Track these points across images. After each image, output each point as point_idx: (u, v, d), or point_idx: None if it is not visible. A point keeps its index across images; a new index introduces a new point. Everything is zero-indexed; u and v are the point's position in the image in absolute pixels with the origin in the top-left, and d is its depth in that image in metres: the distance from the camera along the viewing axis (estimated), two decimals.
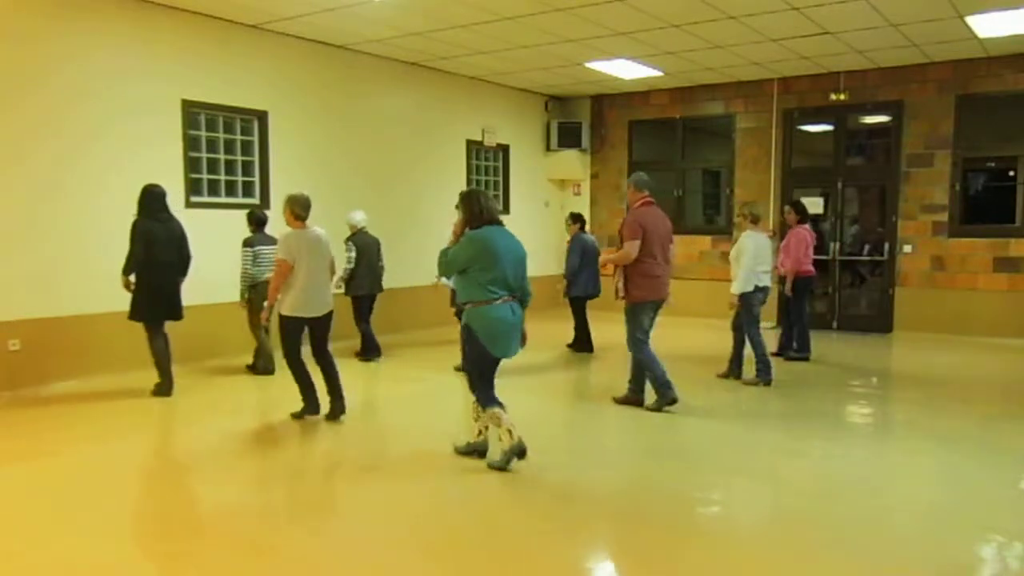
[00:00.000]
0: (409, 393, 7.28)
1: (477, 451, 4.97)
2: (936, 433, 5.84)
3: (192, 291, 7.51)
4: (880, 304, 10.80)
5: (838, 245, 10.95)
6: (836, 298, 11.02)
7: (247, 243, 7.41)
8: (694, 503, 4.50)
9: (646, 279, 6.14)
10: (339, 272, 7.99)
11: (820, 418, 6.34)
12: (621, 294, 6.24)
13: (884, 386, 8.09)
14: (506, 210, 12.20)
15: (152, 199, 6.57)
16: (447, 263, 4.80)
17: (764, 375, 7.22)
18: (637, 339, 6.21)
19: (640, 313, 6.20)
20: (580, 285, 8.71)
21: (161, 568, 3.70)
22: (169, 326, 6.86)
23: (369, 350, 8.40)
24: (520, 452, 4.72)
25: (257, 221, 7.54)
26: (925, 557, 3.69)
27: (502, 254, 4.67)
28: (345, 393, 6.00)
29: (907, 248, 10.51)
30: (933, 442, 5.61)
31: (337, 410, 5.95)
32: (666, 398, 6.22)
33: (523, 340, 4.91)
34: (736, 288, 7.16)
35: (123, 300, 6.76)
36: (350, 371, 8.05)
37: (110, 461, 5.21)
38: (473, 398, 4.99)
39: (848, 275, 11.30)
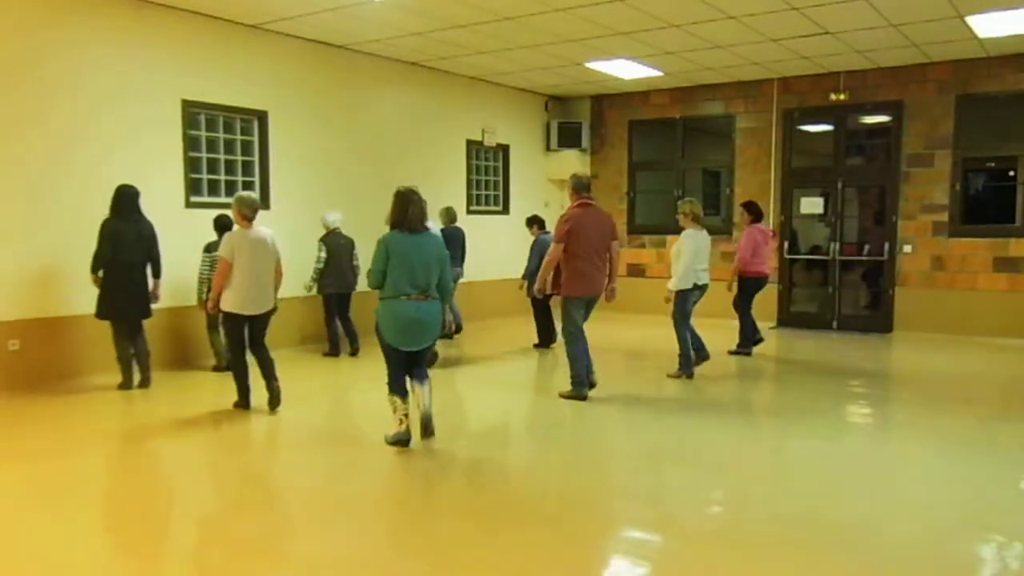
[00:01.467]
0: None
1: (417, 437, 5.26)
2: (936, 433, 5.83)
3: (190, 292, 7.54)
4: (880, 304, 10.80)
5: (838, 245, 10.95)
6: (836, 298, 11.02)
7: (207, 248, 7.39)
8: (690, 502, 4.50)
9: (576, 276, 6.43)
10: (310, 272, 8.27)
11: (818, 417, 6.33)
12: (541, 289, 6.65)
13: (883, 386, 8.08)
14: (506, 210, 12.20)
15: (123, 199, 6.67)
16: (372, 273, 5.10)
17: (686, 368, 7.39)
18: (570, 332, 6.53)
19: (571, 308, 6.50)
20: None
21: (160, 567, 3.70)
22: (165, 327, 6.88)
23: (333, 346, 8.57)
24: (404, 442, 5.16)
25: (221, 226, 7.45)
26: (925, 557, 3.69)
27: (409, 256, 5.04)
28: (281, 384, 6.17)
29: (907, 248, 10.51)
30: (933, 442, 5.60)
31: (274, 401, 6.13)
32: (578, 393, 6.52)
33: (444, 328, 5.44)
34: (674, 285, 7.28)
35: None
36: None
37: (109, 461, 5.22)
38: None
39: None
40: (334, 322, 8.57)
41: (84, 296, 7.07)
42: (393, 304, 5.06)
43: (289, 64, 8.84)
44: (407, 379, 5.29)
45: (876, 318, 10.79)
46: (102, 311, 6.67)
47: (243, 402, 6.23)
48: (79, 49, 7.12)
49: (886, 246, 10.59)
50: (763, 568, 3.59)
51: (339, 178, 9.43)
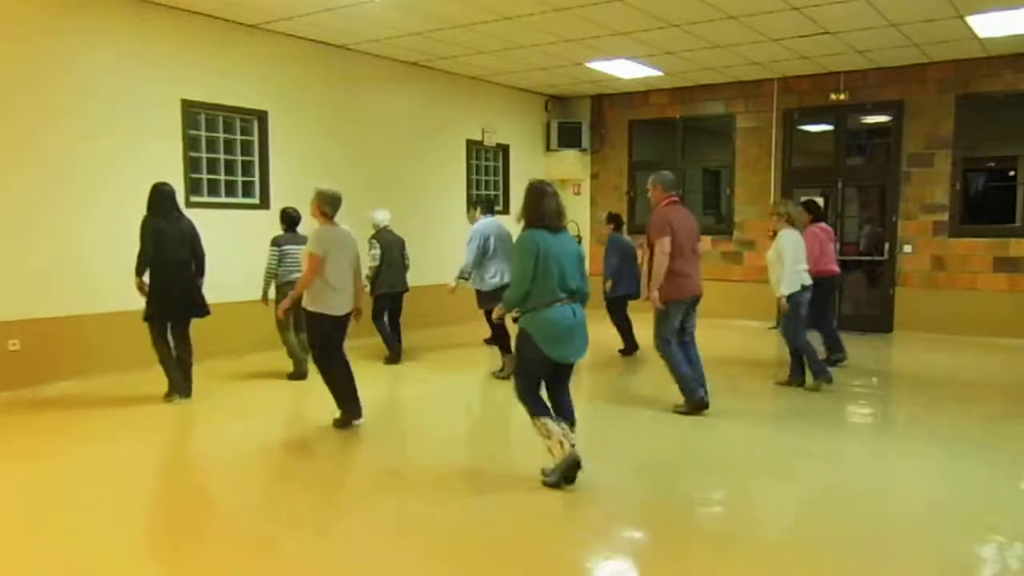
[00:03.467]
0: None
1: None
2: (936, 433, 5.84)
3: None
4: (880, 304, 10.80)
5: (838, 245, 10.94)
6: (836, 298, 11.00)
7: (275, 242, 7.37)
8: (695, 503, 4.50)
9: (677, 278, 6.06)
10: (364, 271, 7.92)
11: (820, 418, 6.33)
12: (646, 295, 6.25)
13: (884, 386, 8.08)
14: (506, 210, 12.18)
15: (161, 197, 6.51)
16: (518, 284, 4.42)
17: (823, 375, 7.11)
18: (664, 339, 6.14)
19: (673, 311, 6.12)
20: (622, 284, 8.69)
21: (160, 569, 3.69)
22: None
23: (392, 350, 8.28)
24: (574, 465, 4.42)
25: (289, 220, 7.42)
26: (925, 557, 3.69)
27: (556, 254, 4.41)
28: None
29: (907, 248, 10.50)
30: (933, 442, 5.61)
31: (340, 423, 5.81)
32: (692, 402, 6.16)
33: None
34: (785, 289, 6.90)
35: (123, 300, 6.80)
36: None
37: (110, 461, 5.21)
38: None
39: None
40: (384, 325, 8.21)
41: (86, 296, 7.08)
42: (547, 312, 4.38)
43: (289, 64, 8.84)
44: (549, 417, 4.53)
45: (876, 318, 10.79)
46: (149, 312, 6.44)
47: (352, 414, 5.77)
48: (79, 49, 7.11)
49: (886, 246, 10.59)
50: (763, 568, 3.59)
51: (339, 178, 9.34)
